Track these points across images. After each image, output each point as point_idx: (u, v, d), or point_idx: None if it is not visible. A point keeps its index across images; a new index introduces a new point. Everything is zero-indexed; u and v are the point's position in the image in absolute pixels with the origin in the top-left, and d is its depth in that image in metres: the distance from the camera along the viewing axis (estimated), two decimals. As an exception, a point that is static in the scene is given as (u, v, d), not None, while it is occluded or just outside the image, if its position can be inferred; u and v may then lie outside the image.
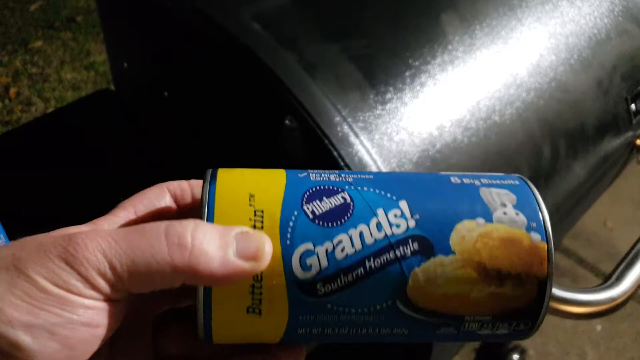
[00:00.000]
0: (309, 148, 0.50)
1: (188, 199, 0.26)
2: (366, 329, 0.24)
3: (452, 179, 0.26)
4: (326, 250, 0.23)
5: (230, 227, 0.23)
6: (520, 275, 0.24)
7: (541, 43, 0.62)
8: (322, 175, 0.25)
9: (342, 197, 0.24)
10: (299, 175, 0.25)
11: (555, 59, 0.62)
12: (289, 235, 0.23)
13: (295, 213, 0.23)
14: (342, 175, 0.25)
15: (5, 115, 1.72)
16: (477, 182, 0.25)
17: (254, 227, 0.23)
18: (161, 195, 0.26)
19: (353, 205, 0.24)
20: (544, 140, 0.60)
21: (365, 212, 0.24)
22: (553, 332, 1.27)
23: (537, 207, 0.25)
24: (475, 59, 0.57)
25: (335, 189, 0.24)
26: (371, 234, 0.23)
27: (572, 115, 0.63)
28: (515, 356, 1.12)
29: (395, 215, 0.24)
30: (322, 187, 0.24)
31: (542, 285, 0.24)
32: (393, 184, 0.25)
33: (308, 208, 0.23)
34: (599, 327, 1.26)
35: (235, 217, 0.23)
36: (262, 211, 0.23)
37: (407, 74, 0.53)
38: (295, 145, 0.50)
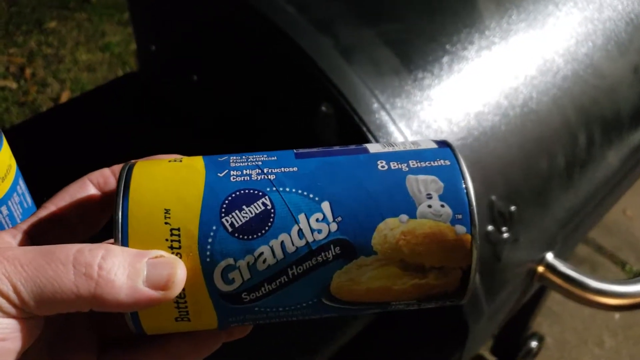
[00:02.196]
0: (344, 136, 0.49)
1: (112, 184, 0.26)
2: (297, 317, 0.25)
3: (379, 164, 0.24)
4: (248, 263, 0.23)
5: (143, 253, 0.22)
6: (444, 267, 0.24)
7: (578, 28, 0.60)
8: (244, 171, 0.24)
9: (263, 204, 0.23)
10: (219, 174, 0.24)
11: (592, 45, 0.61)
12: (208, 253, 0.23)
13: (214, 228, 0.23)
14: (265, 169, 0.24)
15: (21, 96, 1.72)
16: (404, 167, 0.24)
17: (172, 247, 0.22)
18: (83, 188, 0.26)
19: (274, 213, 0.23)
20: (580, 127, 0.59)
21: (286, 220, 0.23)
22: (571, 321, 1.27)
23: (465, 197, 0.24)
24: (512, 45, 0.56)
25: (256, 192, 0.23)
26: (292, 243, 0.23)
27: (608, 102, 0.62)
28: (534, 343, 1.12)
29: (317, 220, 0.23)
30: (242, 191, 0.23)
31: (466, 274, 0.24)
32: (317, 179, 0.24)
33: (227, 221, 0.23)
34: (617, 316, 1.26)
35: (151, 238, 0.22)
36: (179, 229, 0.22)
37: (444, 59, 0.52)
38: (330, 132, 0.50)
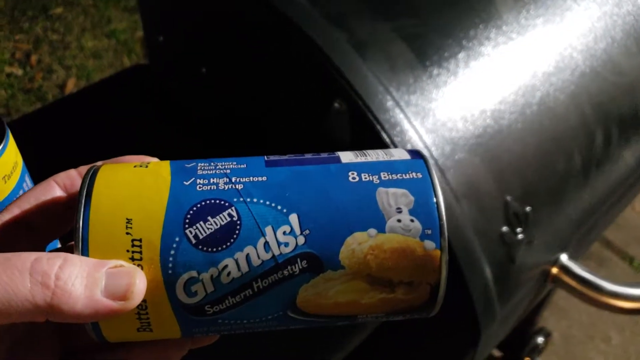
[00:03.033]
0: (357, 133, 0.48)
1: (78, 186, 0.25)
2: (262, 329, 0.25)
3: (351, 175, 0.24)
4: (211, 276, 0.22)
5: (102, 263, 0.21)
6: (413, 282, 0.23)
7: (596, 23, 0.59)
8: (211, 179, 0.23)
9: (229, 215, 0.22)
10: (184, 182, 0.23)
11: (611, 40, 0.59)
12: (170, 265, 0.22)
13: (177, 239, 0.22)
14: (233, 178, 0.23)
15: (27, 83, 1.71)
16: (375, 180, 0.24)
17: (133, 258, 0.22)
18: (48, 189, 0.25)
19: (240, 225, 0.22)
20: (597, 126, 0.57)
21: (252, 233, 0.22)
22: (577, 316, 1.26)
23: (435, 212, 0.23)
24: (529, 41, 0.55)
25: (222, 203, 0.22)
26: (258, 256, 0.22)
27: (626, 100, 0.60)
28: (540, 339, 1.11)
29: (284, 233, 0.22)
30: (207, 201, 0.22)
31: (435, 289, 0.24)
32: (286, 189, 0.23)
33: (190, 232, 0.22)
34: (625, 312, 1.25)
35: (111, 249, 0.22)
36: (141, 240, 0.22)
37: (460, 55, 0.51)
38: (343, 130, 0.48)
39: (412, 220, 0.23)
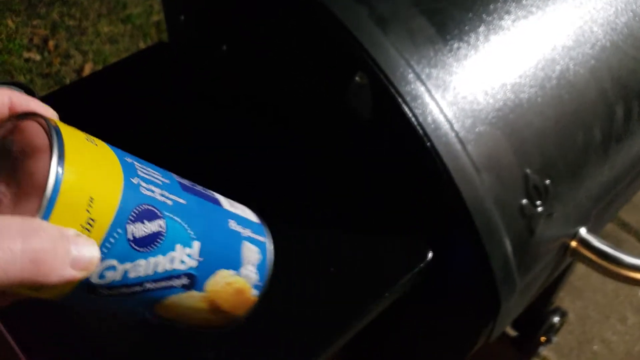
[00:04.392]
0: (378, 107, 0.48)
1: (20, 106, 0.25)
2: (114, 312, 0.30)
3: (230, 223, 0.30)
4: (125, 269, 0.26)
5: (67, 234, 0.22)
6: (231, 314, 0.31)
7: (618, -2, 0.58)
8: (150, 186, 0.26)
9: (159, 225, 0.26)
10: (132, 179, 0.26)
11: (632, 14, 0.59)
12: (104, 250, 0.25)
13: (119, 231, 0.25)
14: (165, 193, 0.27)
15: (45, 68, 1.73)
16: (243, 233, 0.31)
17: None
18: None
19: (164, 236, 0.26)
20: (617, 100, 0.57)
21: (168, 245, 0.27)
22: (593, 296, 1.26)
23: (266, 272, 0.32)
24: (549, 15, 0.55)
25: (157, 212, 0.26)
26: (163, 265, 0.27)
27: (646, 75, 0.60)
28: (556, 318, 1.12)
29: (187, 254, 0.27)
30: (148, 206, 0.26)
31: (238, 319, 0.32)
32: (196, 218, 0.28)
33: (130, 228, 0.25)
34: (641, 292, 1.25)
35: (70, 219, 0.23)
36: (94, 221, 0.24)
37: (480, 29, 0.51)
38: (364, 103, 0.49)
39: (255, 273, 0.31)
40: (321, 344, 0.42)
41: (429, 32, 0.49)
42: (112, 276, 0.25)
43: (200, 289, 0.29)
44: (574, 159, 0.54)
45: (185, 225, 0.27)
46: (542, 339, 1.11)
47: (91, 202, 0.23)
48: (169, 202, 0.27)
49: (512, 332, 1.17)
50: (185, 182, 0.29)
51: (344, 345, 0.58)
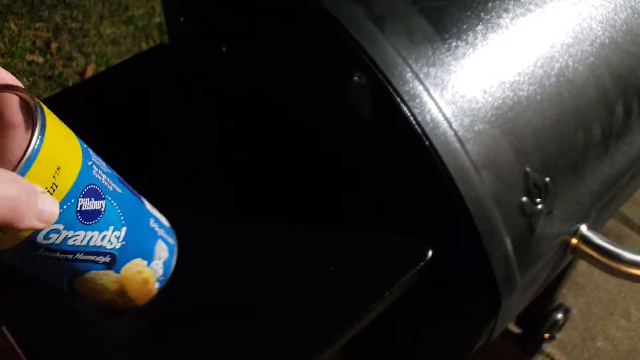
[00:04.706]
0: (377, 106, 0.49)
1: None
2: (43, 271, 0.33)
3: (151, 221, 0.36)
4: (66, 235, 0.30)
5: (36, 189, 0.27)
6: (135, 300, 0.36)
7: (617, -6, 0.58)
8: (99, 171, 0.32)
9: (101, 205, 0.31)
10: (88, 162, 0.31)
11: (631, 11, 0.59)
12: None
13: (72, 201, 0.29)
14: (109, 180, 0.33)
15: (48, 70, 1.74)
16: (159, 232, 0.37)
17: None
18: None
19: (102, 215, 0.31)
20: (617, 97, 0.57)
21: (104, 224, 0.32)
22: (596, 293, 1.26)
23: (170, 270, 0.37)
24: (548, 12, 0.55)
25: (101, 193, 0.31)
26: (95, 240, 0.32)
27: (646, 72, 0.60)
28: (559, 315, 1.12)
29: (115, 236, 0.32)
30: (96, 186, 0.31)
31: (135, 305, 0.37)
32: (128, 207, 0.33)
33: (80, 202, 0.30)
34: (645, 289, 1.24)
35: (40, 179, 0.28)
36: (56, 186, 0.28)
37: (478, 27, 0.51)
38: (363, 103, 0.49)
39: (160, 267, 0.36)
40: (321, 344, 0.42)
41: (427, 31, 0.49)
42: (54, 239, 0.30)
43: (117, 270, 0.34)
44: (574, 157, 0.54)
45: (119, 211, 0.33)
46: (546, 335, 1.11)
47: (57, 170, 0.28)
48: (110, 188, 0.32)
49: (515, 329, 1.16)
50: (120, 177, 0.34)
51: (345, 344, 0.59)
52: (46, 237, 0.29)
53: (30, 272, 0.33)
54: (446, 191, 0.46)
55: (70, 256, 0.31)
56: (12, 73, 0.33)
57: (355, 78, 0.48)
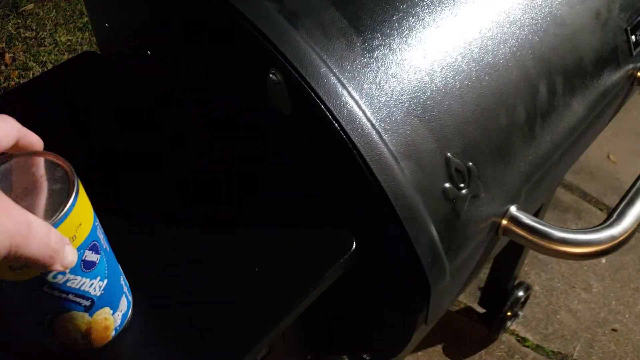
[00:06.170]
0: (295, 102, 0.49)
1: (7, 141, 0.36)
2: (28, 310, 0.39)
3: (121, 278, 0.43)
4: (67, 278, 0.37)
5: (65, 240, 0.34)
6: (92, 343, 0.42)
7: (535, -24, 0.59)
8: (100, 229, 0.39)
9: (97, 258, 0.38)
10: (96, 223, 0.38)
11: (551, -9, 0.60)
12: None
13: (81, 251, 0.36)
14: (104, 238, 0.40)
15: (3, 82, 1.71)
16: (124, 288, 0.43)
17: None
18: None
19: (96, 266, 0.38)
20: (540, 78, 0.58)
21: (95, 274, 0.38)
22: (558, 267, 1.28)
23: (125, 322, 0.44)
24: (466, -2, 0.55)
25: (99, 249, 0.38)
26: (86, 285, 0.38)
27: (569, 50, 0.61)
28: (520, 293, 1.14)
29: (99, 285, 0.39)
30: (96, 243, 0.38)
31: (92, 349, 0.43)
32: (111, 264, 0.40)
33: (85, 253, 0.37)
34: (603, 260, 1.27)
35: (66, 231, 0.34)
36: (75, 237, 0.36)
37: (394, 17, 0.51)
38: (281, 100, 0.49)
39: (119, 319, 0.43)
40: (248, 343, 0.43)
41: (341, 24, 0.50)
42: (59, 279, 0.36)
43: (91, 314, 0.40)
44: (498, 140, 0.54)
45: (106, 265, 0.39)
46: (509, 313, 1.13)
47: (79, 226, 0.36)
48: (105, 246, 0.39)
49: (479, 309, 1.18)
50: (104, 236, 0.41)
51: (302, 333, 0.59)
52: (54, 276, 0.36)
53: (18, 305, 0.38)
54: (366, 182, 0.47)
55: (64, 295, 0.37)
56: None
57: (271, 75, 0.48)
